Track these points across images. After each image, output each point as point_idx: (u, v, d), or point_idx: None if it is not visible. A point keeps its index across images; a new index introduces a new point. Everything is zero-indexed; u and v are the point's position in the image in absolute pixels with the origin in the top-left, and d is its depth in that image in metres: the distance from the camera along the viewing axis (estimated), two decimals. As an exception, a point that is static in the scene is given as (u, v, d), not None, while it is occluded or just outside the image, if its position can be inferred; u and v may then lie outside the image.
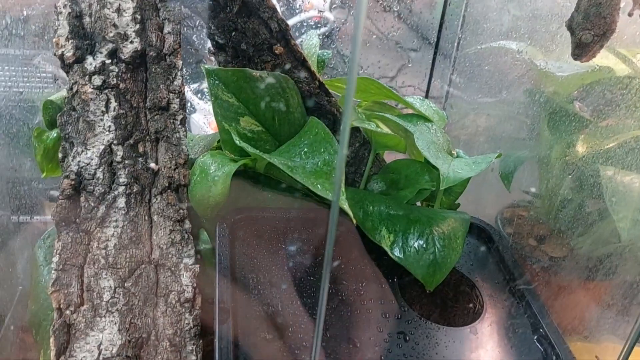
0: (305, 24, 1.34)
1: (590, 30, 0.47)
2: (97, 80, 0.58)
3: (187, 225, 0.56)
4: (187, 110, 1.14)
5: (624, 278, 0.54)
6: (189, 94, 1.10)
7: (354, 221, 0.50)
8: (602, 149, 0.60)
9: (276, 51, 0.64)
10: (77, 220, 0.54)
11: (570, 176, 0.62)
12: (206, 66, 0.58)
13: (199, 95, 1.10)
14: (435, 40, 0.81)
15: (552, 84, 0.62)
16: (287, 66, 0.66)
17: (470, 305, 0.56)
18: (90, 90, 0.58)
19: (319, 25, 1.34)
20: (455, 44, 0.79)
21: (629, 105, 0.55)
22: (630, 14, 0.47)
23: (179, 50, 0.63)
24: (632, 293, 0.53)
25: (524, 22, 0.73)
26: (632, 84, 0.55)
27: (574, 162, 0.64)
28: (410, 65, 1.40)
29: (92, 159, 0.56)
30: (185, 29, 0.78)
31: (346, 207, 0.49)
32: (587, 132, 0.61)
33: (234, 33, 0.64)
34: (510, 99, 0.73)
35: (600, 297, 0.59)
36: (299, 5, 1.35)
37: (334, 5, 1.42)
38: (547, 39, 0.68)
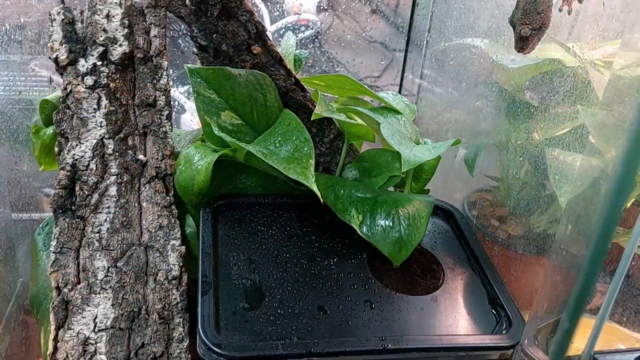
0: (291, 27, 1.39)
1: (528, 25, 0.53)
2: (89, 81, 0.63)
3: (174, 210, 0.61)
4: (177, 110, 1.20)
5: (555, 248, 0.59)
6: (178, 95, 1.16)
7: (322, 200, 0.56)
8: (553, 136, 0.66)
9: (254, 51, 0.70)
10: (72, 207, 0.59)
11: (526, 161, 0.68)
12: (189, 65, 0.63)
13: (188, 95, 1.15)
14: (406, 39, 0.86)
15: (505, 76, 0.67)
16: (265, 64, 0.71)
17: (434, 278, 0.61)
18: (83, 89, 0.63)
19: (307, 27, 1.40)
20: (425, 42, 0.85)
21: (567, 92, 0.61)
22: (560, 9, 0.53)
23: (164, 51, 0.68)
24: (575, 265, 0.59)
25: (484, 20, 0.79)
26: (568, 73, 0.61)
27: (528, 148, 0.69)
28: (394, 64, 1.46)
29: (85, 152, 0.61)
30: (171, 33, 0.84)
31: (315, 188, 0.54)
32: (538, 119, 0.67)
33: (214, 35, 0.69)
34: (472, 91, 0.78)
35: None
36: (284, 9, 1.40)
37: (320, 9, 1.47)
38: (506, 34, 0.73)
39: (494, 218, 0.73)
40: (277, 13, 1.38)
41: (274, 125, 0.64)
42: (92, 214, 0.59)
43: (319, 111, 0.59)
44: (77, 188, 0.60)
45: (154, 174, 0.62)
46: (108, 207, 0.59)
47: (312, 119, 0.60)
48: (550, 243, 0.66)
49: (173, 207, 0.61)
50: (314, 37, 1.42)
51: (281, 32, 1.35)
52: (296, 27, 1.40)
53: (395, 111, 0.75)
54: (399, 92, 0.92)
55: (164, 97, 0.66)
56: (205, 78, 0.64)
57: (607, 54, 0.63)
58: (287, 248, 0.59)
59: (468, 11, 0.77)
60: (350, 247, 0.62)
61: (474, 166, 0.74)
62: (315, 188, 0.53)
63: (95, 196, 0.59)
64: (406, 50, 0.86)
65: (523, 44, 0.54)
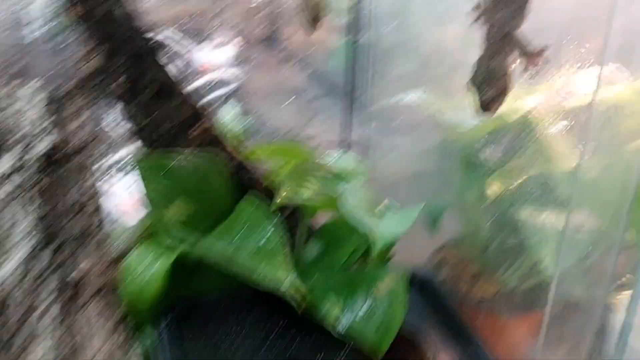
0: (207, 87, 1.34)
1: (489, 89, 0.53)
2: (8, 187, 0.54)
3: (125, 328, 0.53)
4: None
5: (550, 309, 0.58)
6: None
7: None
8: (511, 188, 0.66)
9: (195, 132, 0.64)
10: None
11: (487, 218, 0.67)
12: (136, 158, 0.56)
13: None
14: (350, 94, 0.84)
15: (459, 136, 0.67)
16: (209, 144, 0.65)
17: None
18: (3, 196, 0.54)
19: (222, 85, 1.35)
20: (369, 97, 0.83)
21: (522, 146, 0.62)
22: (526, 70, 0.53)
23: (93, 141, 0.61)
24: (559, 322, 0.58)
25: (424, 73, 0.79)
26: (519, 128, 0.62)
27: (489, 203, 0.69)
28: (320, 113, 1.45)
29: (12, 271, 0.51)
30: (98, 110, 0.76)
31: (292, 292, 0.49)
32: (497, 174, 0.67)
33: (154, 115, 0.63)
34: (426, 149, 0.77)
35: (533, 327, 0.63)
36: (193, 68, 1.36)
37: (233, 63, 1.44)
38: (448, 86, 0.74)
39: (464, 279, 0.71)
40: (192, 74, 1.34)
41: (234, 215, 0.58)
42: (23, 353, 0.49)
43: (279, 201, 0.54)
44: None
45: (97, 288, 0.53)
46: (44, 339, 0.50)
47: (272, 209, 0.55)
48: (526, 299, 0.65)
49: (126, 319, 0.53)
50: (230, 94, 1.38)
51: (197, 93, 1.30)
52: (211, 86, 1.36)
53: (348, 177, 0.72)
54: (348, 148, 0.89)
55: (96, 196, 0.58)
56: (153, 167, 0.57)
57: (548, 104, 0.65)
58: (267, 351, 0.53)
59: (411, 64, 0.77)
60: (334, 336, 0.56)
61: (437, 226, 0.72)
62: (293, 293, 0.48)
63: (26, 327, 0.50)
64: (351, 106, 0.85)
65: (486, 107, 0.54)
